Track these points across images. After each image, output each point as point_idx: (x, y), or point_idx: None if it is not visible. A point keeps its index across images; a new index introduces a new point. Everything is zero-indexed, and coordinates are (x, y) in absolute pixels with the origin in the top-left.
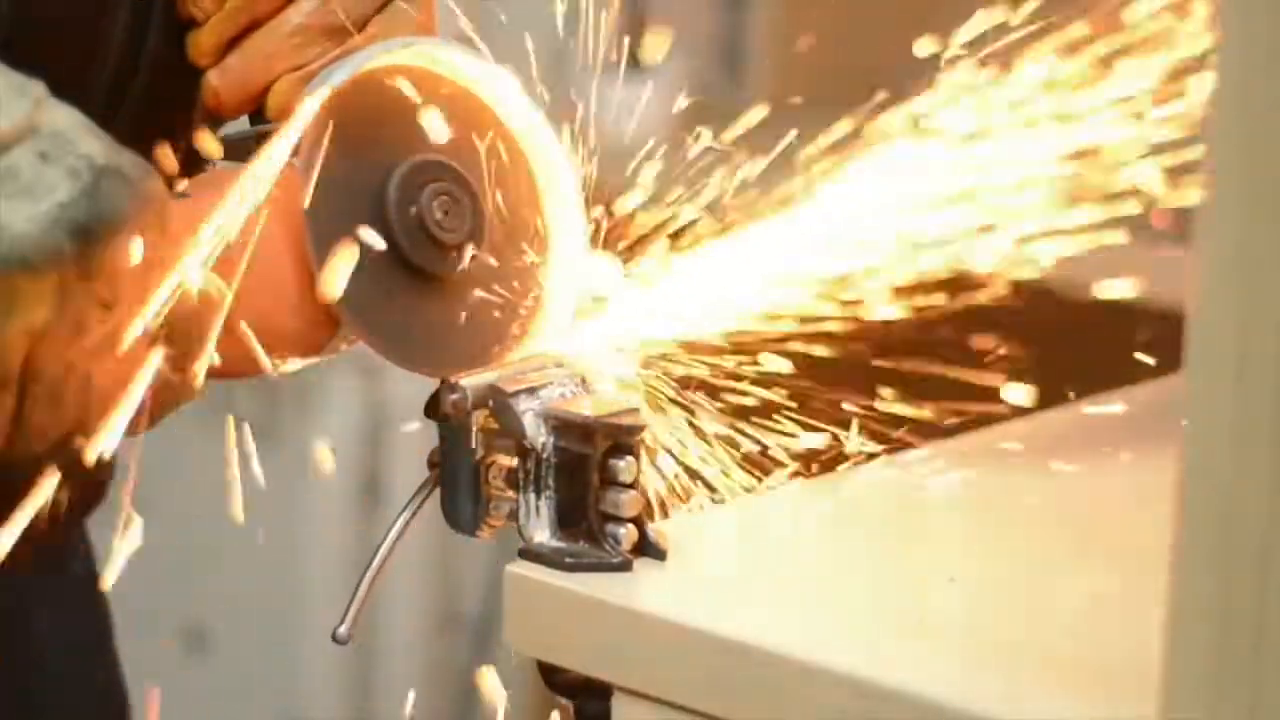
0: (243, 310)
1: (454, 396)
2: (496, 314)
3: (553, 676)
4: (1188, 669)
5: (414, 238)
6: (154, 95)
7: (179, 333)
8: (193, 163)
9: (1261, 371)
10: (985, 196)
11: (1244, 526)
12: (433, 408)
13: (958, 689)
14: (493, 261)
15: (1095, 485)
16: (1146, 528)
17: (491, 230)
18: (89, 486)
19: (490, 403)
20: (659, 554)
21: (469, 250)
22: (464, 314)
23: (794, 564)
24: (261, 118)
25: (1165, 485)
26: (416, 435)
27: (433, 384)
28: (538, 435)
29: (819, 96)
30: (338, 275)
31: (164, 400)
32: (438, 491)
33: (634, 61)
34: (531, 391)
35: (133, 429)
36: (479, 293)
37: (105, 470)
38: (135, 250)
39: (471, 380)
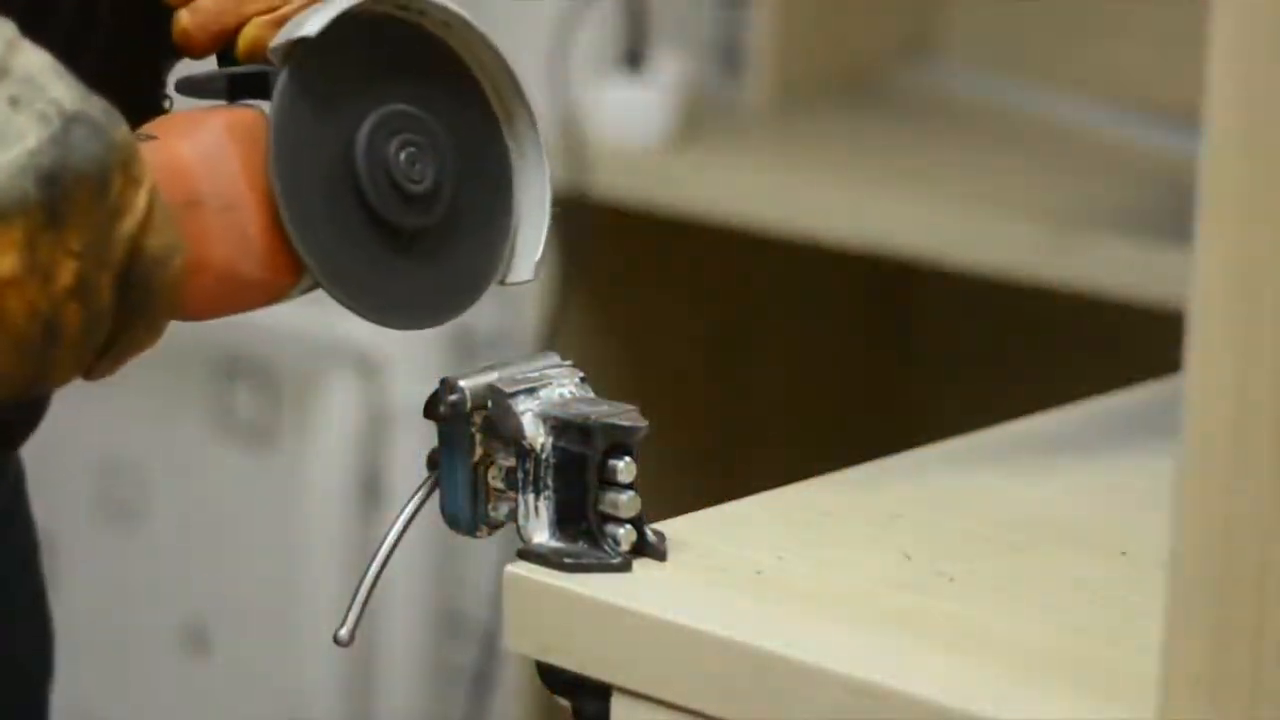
0: (207, 255)
1: (453, 397)
2: (464, 267)
3: (551, 676)
4: (1187, 669)
5: (380, 189)
6: (121, 35)
7: (141, 279)
8: (156, 105)
9: (1261, 371)
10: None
11: (1243, 527)
12: (432, 408)
13: (957, 689)
14: (459, 212)
15: (1095, 485)
16: (1146, 528)
17: (458, 183)
18: (23, 411)
19: (489, 403)
20: (658, 554)
21: (435, 201)
22: (432, 266)
23: (793, 564)
24: (230, 60)
25: (1165, 485)
26: (416, 435)
27: (433, 384)
28: (537, 435)
29: (818, 97)
30: (304, 223)
31: (125, 346)
32: (437, 492)
33: (633, 62)
34: (531, 391)
35: (93, 374)
36: (445, 246)
37: (41, 398)
38: (102, 198)
39: (470, 380)
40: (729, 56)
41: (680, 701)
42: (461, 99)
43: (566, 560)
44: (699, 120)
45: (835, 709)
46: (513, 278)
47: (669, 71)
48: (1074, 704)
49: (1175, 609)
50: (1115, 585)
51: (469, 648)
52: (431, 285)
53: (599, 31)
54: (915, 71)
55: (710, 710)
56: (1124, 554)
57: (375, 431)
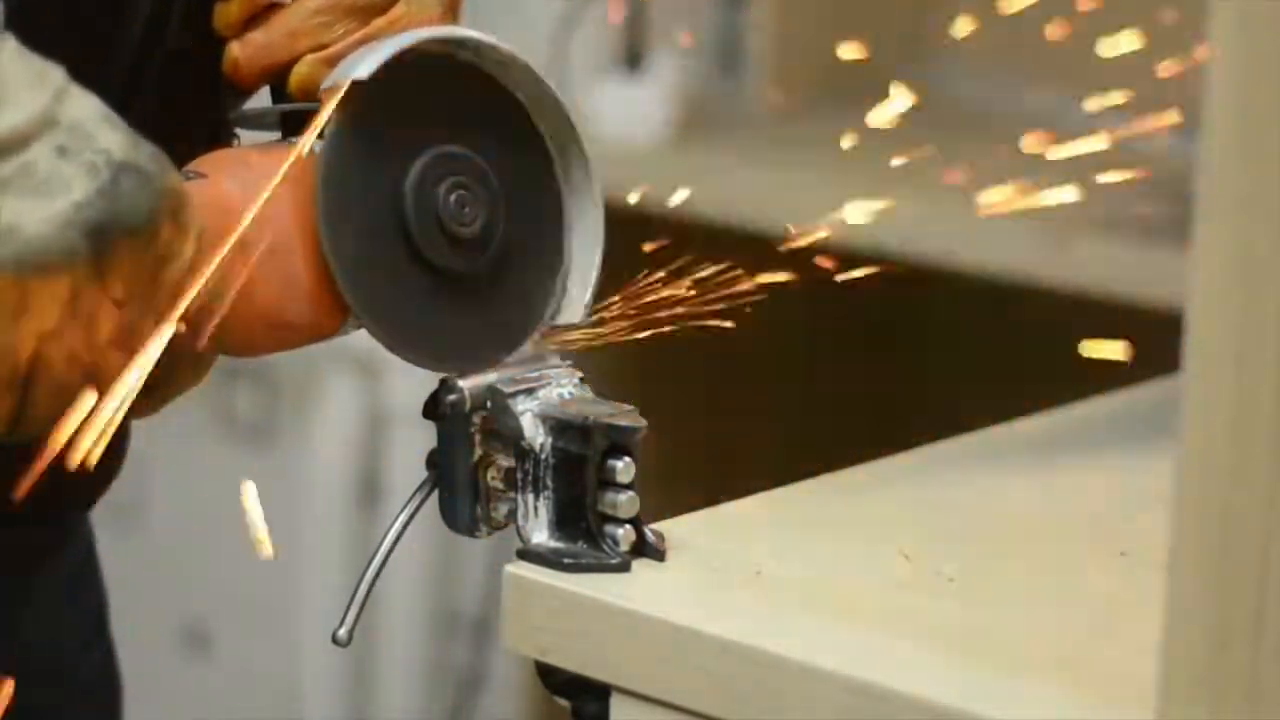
0: (254, 297)
1: (452, 397)
2: (511, 310)
3: (550, 677)
4: (1186, 669)
5: (429, 232)
6: (178, 71)
7: (186, 324)
8: (214, 141)
9: (1259, 372)
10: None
11: (1242, 526)
12: (431, 408)
13: (958, 689)
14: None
15: (1095, 485)
16: (1146, 528)
17: (508, 225)
18: (97, 470)
19: (488, 403)
20: (657, 555)
21: (484, 245)
22: (480, 308)
23: (793, 564)
24: (283, 96)
25: (1164, 485)
26: (416, 435)
27: (433, 384)
28: (536, 436)
29: (818, 97)
30: (350, 266)
31: (170, 388)
32: (437, 492)
33: (633, 62)
34: (530, 392)
35: (137, 414)
36: (493, 288)
37: (114, 455)
38: (149, 247)
39: (470, 381)
40: (729, 56)
41: (679, 702)
42: (514, 139)
43: (566, 560)
44: (699, 120)
45: (835, 709)
46: (562, 319)
47: (669, 71)
48: (1074, 704)
49: (1175, 609)
50: (1115, 585)
51: (467, 647)
52: (479, 328)
53: (599, 31)
54: (915, 72)
55: (710, 710)
56: (1124, 554)
57: (375, 431)
